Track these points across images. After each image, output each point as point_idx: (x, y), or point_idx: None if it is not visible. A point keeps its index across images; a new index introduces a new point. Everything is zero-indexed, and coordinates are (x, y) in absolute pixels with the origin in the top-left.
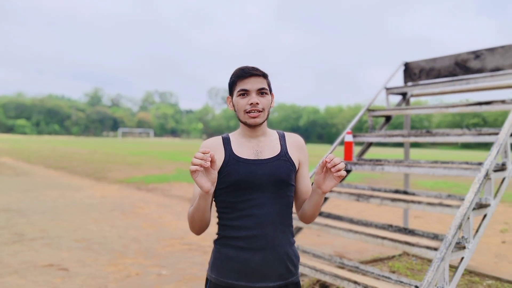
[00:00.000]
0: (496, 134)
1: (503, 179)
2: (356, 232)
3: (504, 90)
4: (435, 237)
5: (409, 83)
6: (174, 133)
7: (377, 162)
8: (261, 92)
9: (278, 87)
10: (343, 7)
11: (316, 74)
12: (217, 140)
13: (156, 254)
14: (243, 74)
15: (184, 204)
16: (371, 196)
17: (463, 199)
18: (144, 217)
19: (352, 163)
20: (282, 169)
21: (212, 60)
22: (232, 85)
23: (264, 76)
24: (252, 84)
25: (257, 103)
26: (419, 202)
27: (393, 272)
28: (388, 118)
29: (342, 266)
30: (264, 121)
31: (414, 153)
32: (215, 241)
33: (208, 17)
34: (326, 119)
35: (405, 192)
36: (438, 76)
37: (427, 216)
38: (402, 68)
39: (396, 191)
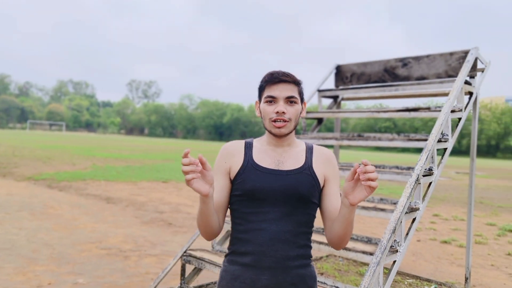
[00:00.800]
0: (425, 140)
1: (430, 183)
2: None
3: (429, 97)
4: (369, 240)
5: (341, 87)
6: (89, 126)
7: None
8: (290, 100)
9: (201, 82)
10: (269, 9)
11: (240, 71)
12: (239, 144)
13: (71, 260)
14: (272, 79)
15: (101, 204)
16: None
17: (394, 203)
18: (57, 218)
19: None
20: (302, 184)
21: (133, 52)
22: (260, 89)
23: (296, 83)
24: (280, 91)
25: (284, 112)
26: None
27: (322, 274)
28: (320, 120)
29: None
30: (290, 132)
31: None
32: (225, 257)
33: (129, 7)
34: (250, 117)
35: None
36: (369, 81)
37: None
38: (334, 71)
39: None
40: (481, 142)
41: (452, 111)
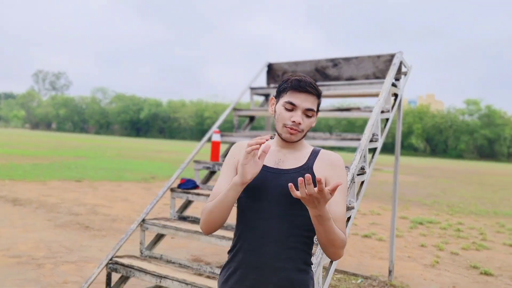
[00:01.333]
0: (358, 139)
1: (362, 181)
2: (230, 238)
3: (359, 98)
4: None
5: (272, 85)
6: None
7: None
8: (308, 112)
9: (115, 76)
10: (189, 3)
11: (159, 67)
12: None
13: None
14: (298, 87)
15: (7, 207)
16: None
17: None
18: None
19: (220, 163)
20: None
21: (40, 40)
22: (282, 91)
23: (318, 95)
24: (302, 100)
25: (300, 123)
26: None
27: None
28: (252, 118)
29: (195, 272)
30: (299, 140)
31: None
32: (228, 253)
33: None
34: (169, 113)
35: None
36: None
37: None
38: (266, 69)
39: None
40: (387, 140)
41: (382, 112)
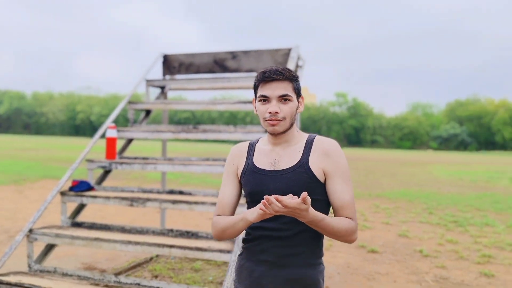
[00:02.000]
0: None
1: None
2: (137, 243)
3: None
4: None
5: (167, 77)
6: None
7: (146, 160)
8: (283, 98)
9: None
10: None
11: (21, 56)
12: (243, 146)
13: None
14: (264, 78)
15: None
16: (148, 200)
17: None
18: None
19: (117, 162)
20: (296, 182)
21: None
22: (255, 88)
23: (290, 79)
24: (273, 90)
25: (277, 112)
26: (203, 203)
27: (156, 276)
28: (148, 112)
29: (97, 283)
30: (286, 129)
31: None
32: (241, 246)
33: None
34: (34, 107)
35: (181, 192)
36: (198, 71)
37: (175, 214)
38: (161, 60)
39: (171, 192)
40: None
41: None
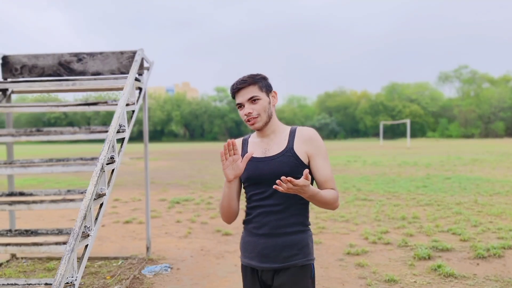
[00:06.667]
0: (106, 132)
1: (113, 170)
2: None
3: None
4: (60, 232)
5: (9, 79)
6: None
7: None
8: (252, 100)
9: None
10: None
11: None
12: (238, 142)
13: None
14: (233, 90)
15: None
16: None
17: (82, 192)
18: None
19: None
20: (286, 164)
21: None
22: (234, 98)
23: (253, 83)
24: (242, 96)
25: (250, 113)
26: (42, 201)
27: (12, 278)
28: None
29: None
30: (266, 123)
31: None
32: (243, 226)
33: None
34: None
35: (22, 194)
36: (42, 74)
37: (26, 216)
38: (0, 62)
39: (11, 194)
40: (149, 128)
41: (127, 105)
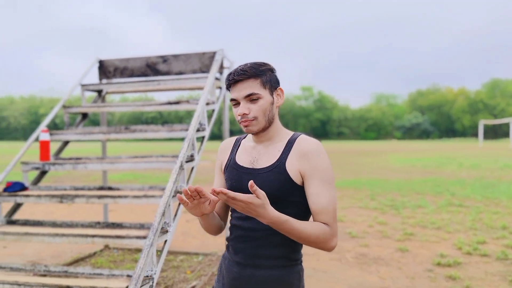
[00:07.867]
0: (186, 130)
1: (192, 168)
2: (63, 235)
3: (188, 91)
4: (142, 226)
5: (104, 81)
6: None
7: (78, 160)
8: (250, 98)
9: None
10: None
11: None
12: (230, 142)
13: None
14: (229, 81)
15: None
16: (76, 196)
17: (163, 189)
18: None
19: (51, 163)
20: (273, 183)
21: None
22: (228, 90)
23: (255, 76)
24: (238, 92)
25: (245, 113)
26: (126, 196)
27: (98, 268)
28: (84, 115)
29: (45, 274)
30: (263, 128)
31: (115, 146)
32: (225, 244)
33: None
34: None
35: (110, 188)
36: (132, 75)
37: (120, 209)
38: (97, 65)
39: (101, 188)
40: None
41: (207, 104)
